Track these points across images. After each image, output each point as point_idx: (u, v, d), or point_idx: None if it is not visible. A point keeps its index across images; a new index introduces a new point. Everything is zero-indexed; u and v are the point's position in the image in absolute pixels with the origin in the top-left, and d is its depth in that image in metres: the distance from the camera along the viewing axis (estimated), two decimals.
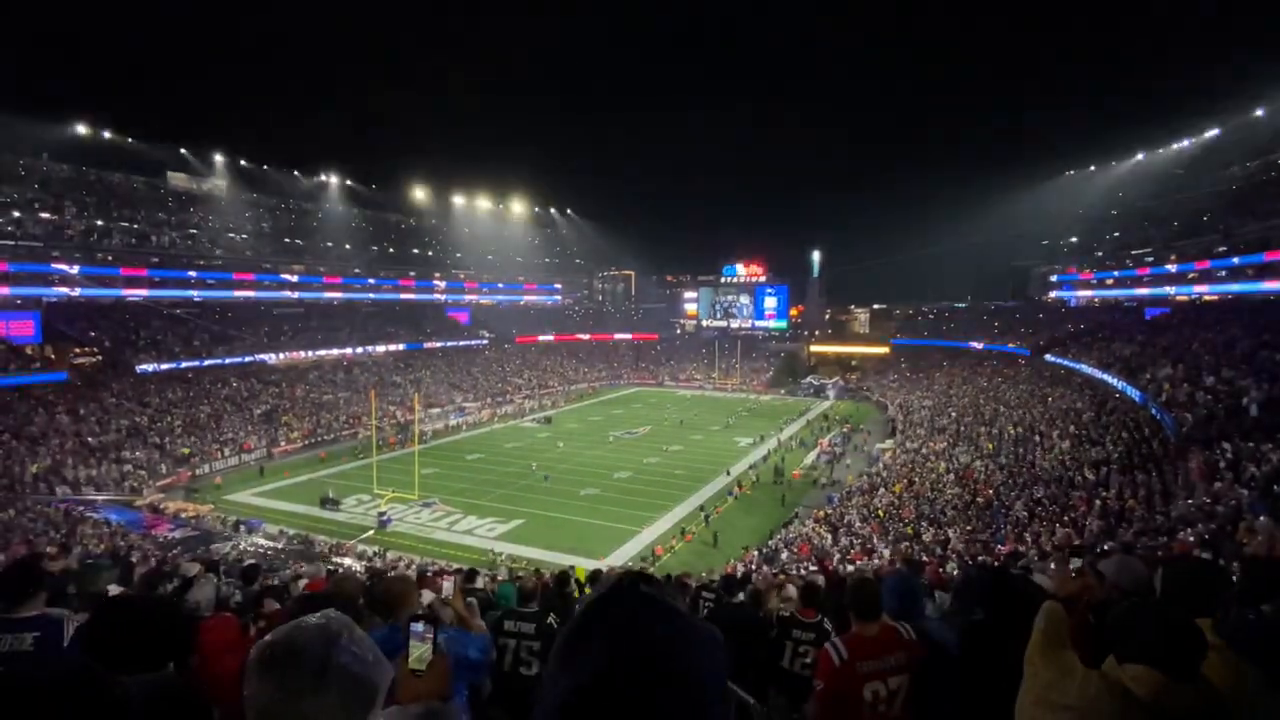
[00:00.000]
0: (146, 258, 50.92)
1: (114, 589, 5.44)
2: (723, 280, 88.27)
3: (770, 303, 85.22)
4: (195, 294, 53.68)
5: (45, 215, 46.09)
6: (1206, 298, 43.72)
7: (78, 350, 41.29)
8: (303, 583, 7.83)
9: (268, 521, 27.31)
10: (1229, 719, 1.62)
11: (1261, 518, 11.60)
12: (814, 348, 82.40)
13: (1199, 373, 26.14)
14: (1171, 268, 48.31)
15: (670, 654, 0.67)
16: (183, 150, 57.59)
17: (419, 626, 1.34)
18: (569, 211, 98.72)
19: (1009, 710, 1.85)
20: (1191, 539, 11.80)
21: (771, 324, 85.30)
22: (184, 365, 43.57)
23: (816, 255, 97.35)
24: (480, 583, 8.83)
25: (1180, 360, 29.61)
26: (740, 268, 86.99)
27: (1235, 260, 41.29)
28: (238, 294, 56.75)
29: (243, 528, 26.22)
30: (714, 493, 32.67)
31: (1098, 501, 19.35)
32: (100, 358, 41.51)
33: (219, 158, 59.46)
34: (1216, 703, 1.62)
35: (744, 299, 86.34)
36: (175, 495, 30.56)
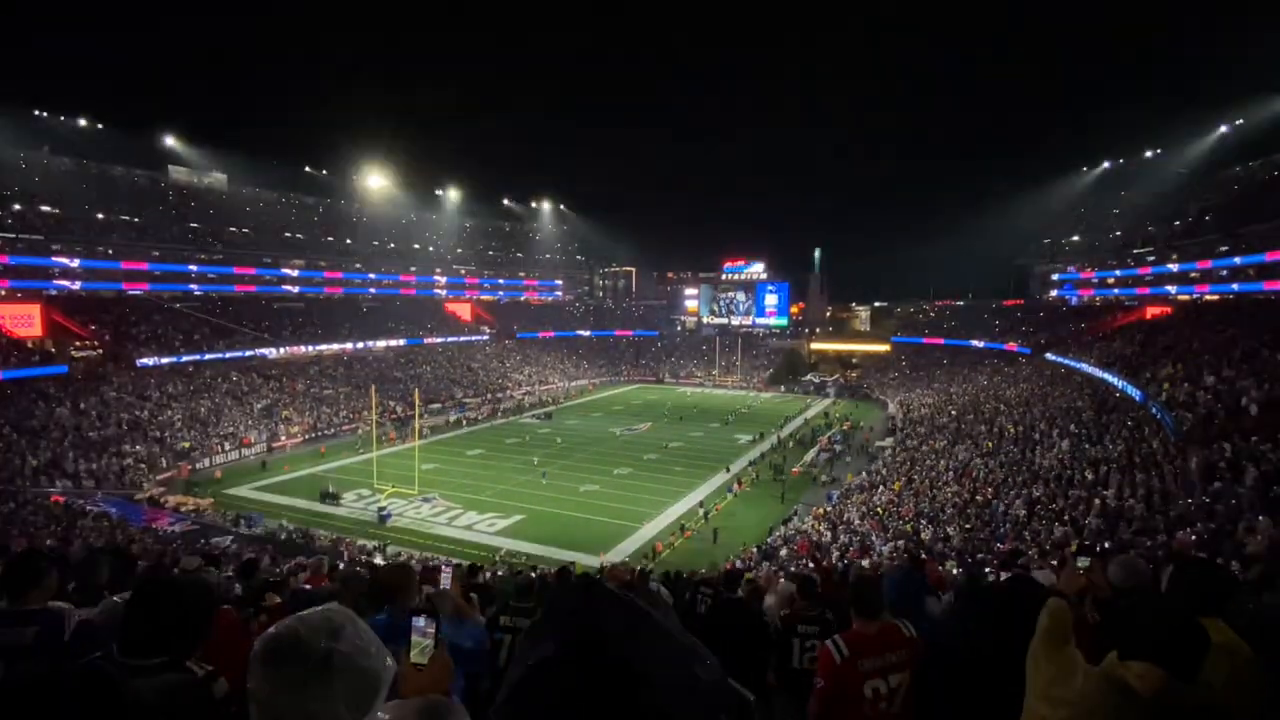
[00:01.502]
0: (147, 251, 50.94)
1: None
2: (724, 277, 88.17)
3: (771, 300, 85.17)
4: (196, 288, 53.70)
5: (46, 208, 46.09)
6: (1208, 297, 43.68)
7: (78, 343, 41.28)
8: (303, 577, 7.84)
9: (268, 516, 27.34)
10: (1229, 718, 1.62)
11: (1260, 517, 11.63)
12: (814, 345, 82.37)
13: (1199, 372, 26.14)
14: (1173, 267, 48.28)
15: (617, 645, 0.69)
16: (184, 144, 57.56)
17: (421, 621, 1.33)
18: (570, 208, 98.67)
19: (1010, 708, 1.85)
20: (1192, 538, 11.82)
21: (772, 321, 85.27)
22: (184, 359, 43.61)
23: (818, 252, 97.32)
24: (481, 578, 8.85)
25: (1181, 360, 29.61)
26: (741, 265, 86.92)
27: (1237, 260, 41.28)
28: (238, 288, 56.79)
29: (243, 522, 26.26)
30: (713, 489, 32.70)
31: (1097, 500, 19.37)
32: (101, 351, 41.51)
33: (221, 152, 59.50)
34: (1217, 701, 1.62)
35: (744, 296, 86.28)
36: (175, 489, 30.59)
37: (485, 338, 72.00)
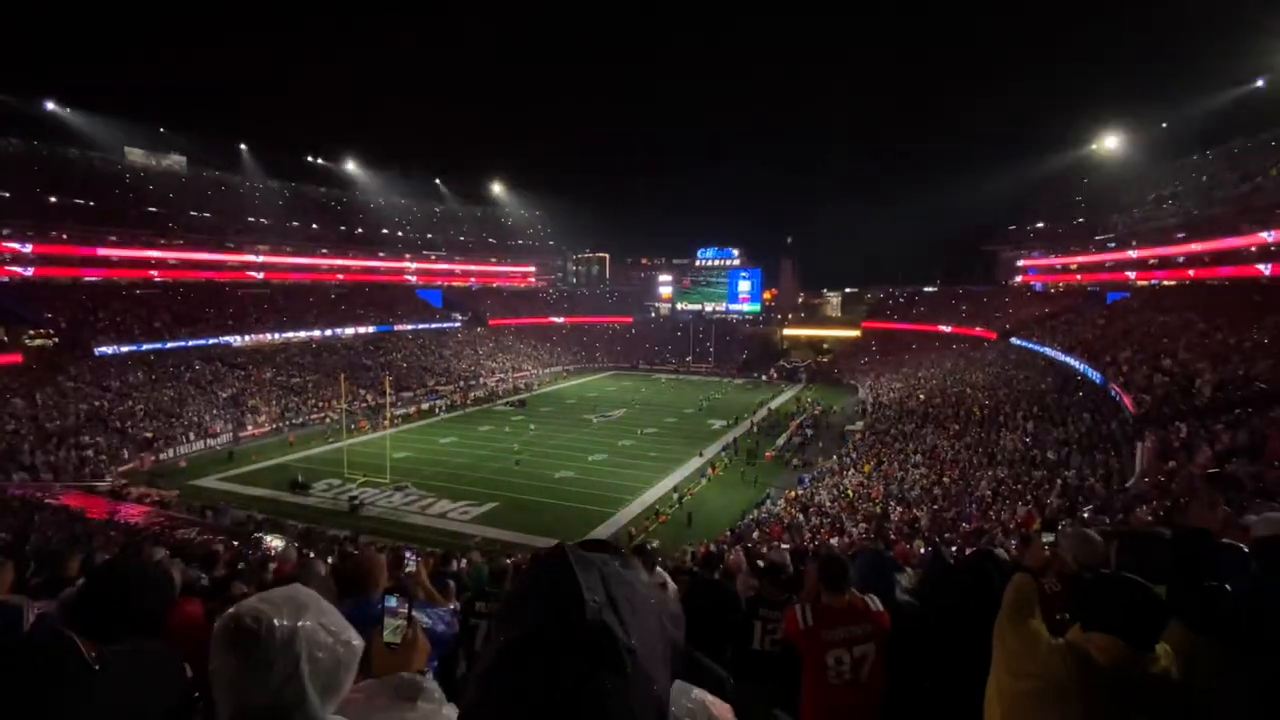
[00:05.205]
0: (104, 236, 49.25)
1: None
2: (697, 263, 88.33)
3: (744, 286, 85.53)
4: (156, 274, 52.14)
5: None
6: (1166, 283, 44.97)
7: (33, 332, 39.87)
8: (272, 567, 7.73)
9: (236, 506, 26.85)
10: (1184, 688, 1.68)
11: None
12: (787, 331, 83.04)
13: (1156, 355, 26.94)
14: (1133, 254, 49.57)
15: (601, 614, 0.66)
16: (141, 125, 55.70)
17: (393, 600, 1.33)
18: (542, 193, 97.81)
19: (977, 680, 1.89)
20: (1149, 517, 12.21)
21: (745, 307, 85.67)
22: (145, 348, 42.42)
23: (790, 239, 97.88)
24: (455, 566, 8.81)
25: (1139, 344, 30.48)
26: (714, 251, 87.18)
27: (1194, 246, 42.46)
28: (201, 274, 55.27)
29: (209, 513, 25.73)
30: (688, 474, 32.90)
31: (1059, 480, 19.93)
32: (57, 340, 40.17)
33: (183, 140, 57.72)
34: (1173, 670, 1.67)
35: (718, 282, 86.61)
36: (138, 480, 29.87)
37: (457, 324, 71.19)
